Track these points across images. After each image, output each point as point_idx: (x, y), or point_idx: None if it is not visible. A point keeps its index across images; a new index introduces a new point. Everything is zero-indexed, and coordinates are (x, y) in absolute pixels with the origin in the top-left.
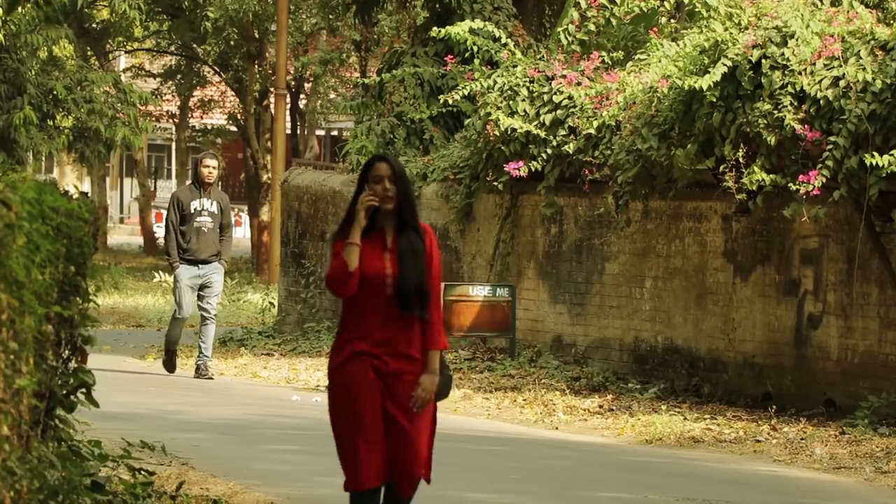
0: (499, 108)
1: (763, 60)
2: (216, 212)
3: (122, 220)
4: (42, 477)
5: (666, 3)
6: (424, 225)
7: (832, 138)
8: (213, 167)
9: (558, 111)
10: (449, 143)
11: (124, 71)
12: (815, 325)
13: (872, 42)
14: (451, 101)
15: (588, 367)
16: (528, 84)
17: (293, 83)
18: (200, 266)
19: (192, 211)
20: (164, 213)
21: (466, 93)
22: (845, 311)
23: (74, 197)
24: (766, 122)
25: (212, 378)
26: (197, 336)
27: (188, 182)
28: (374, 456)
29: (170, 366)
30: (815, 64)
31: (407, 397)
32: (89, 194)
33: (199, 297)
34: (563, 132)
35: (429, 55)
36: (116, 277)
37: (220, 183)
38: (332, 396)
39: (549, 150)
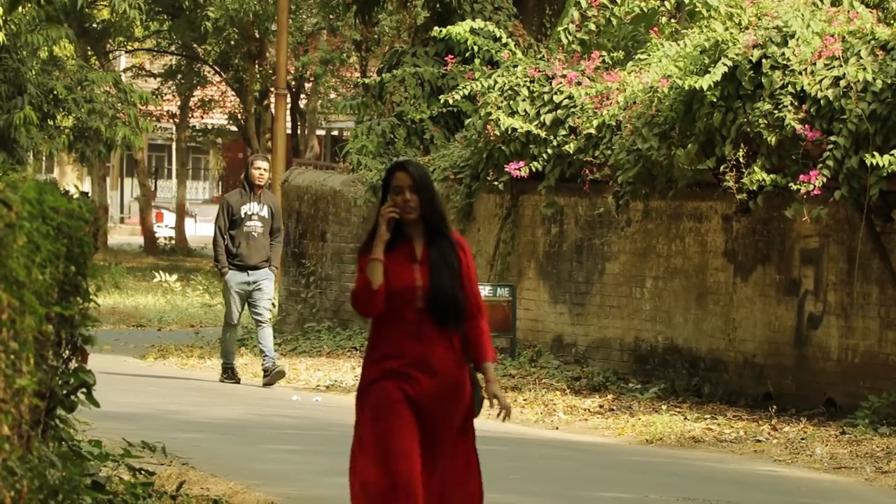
0: (499, 108)
1: (763, 60)
2: (267, 216)
3: (122, 220)
4: (42, 477)
5: (666, 3)
6: (457, 235)
7: (832, 138)
8: (265, 169)
9: (559, 111)
10: (449, 143)
11: (125, 71)
12: (815, 324)
13: (873, 42)
14: (451, 102)
15: (588, 366)
16: (528, 84)
17: (293, 83)
18: (250, 272)
19: (243, 215)
20: (163, 212)
21: (467, 93)
22: (846, 310)
23: (75, 197)
24: (766, 121)
25: (283, 374)
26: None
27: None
28: (412, 487)
29: (232, 379)
30: (815, 64)
31: (444, 421)
32: (90, 194)
33: (250, 304)
34: (563, 132)
35: (429, 55)
36: (117, 277)
37: (269, 186)
38: (358, 423)
39: (549, 150)
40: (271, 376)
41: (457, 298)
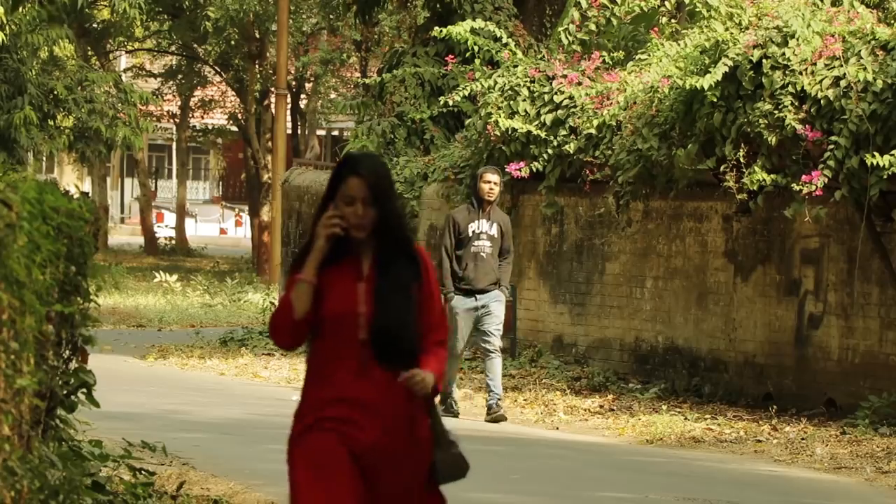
0: (499, 109)
1: (764, 60)
2: (496, 235)
3: (122, 220)
4: (43, 477)
5: (667, 3)
6: (420, 249)
7: (833, 138)
8: (495, 183)
9: (559, 111)
10: (450, 143)
11: (125, 71)
12: (815, 325)
13: (873, 42)
14: (451, 102)
15: (589, 366)
16: (528, 84)
17: (294, 83)
18: (478, 296)
19: (470, 234)
20: (163, 212)
21: (467, 93)
22: (846, 310)
23: (75, 197)
24: (766, 122)
25: (504, 419)
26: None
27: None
28: None
29: (450, 411)
30: (815, 64)
31: (397, 483)
32: (90, 194)
33: (478, 331)
34: (563, 132)
35: (429, 55)
36: (117, 277)
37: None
38: (292, 483)
39: (549, 151)
40: (493, 416)
41: (405, 332)
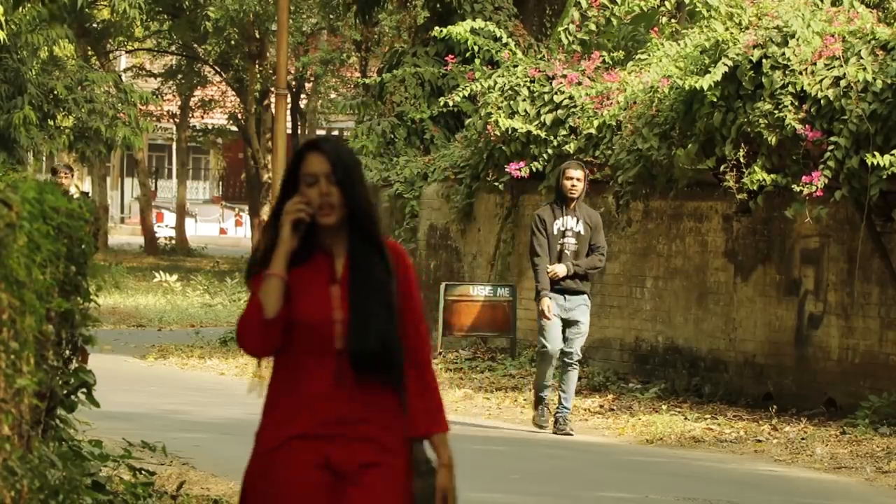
0: (499, 109)
1: (764, 60)
2: (582, 232)
3: (122, 220)
4: (43, 477)
5: (666, 3)
6: (393, 243)
7: (833, 138)
8: (578, 178)
9: (559, 111)
10: (449, 143)
11: (125, 71)
12: (815, 324)
13: (873, 42)
14: (451, 102)
15: (589, 366)
16: (528, 84)
17: (294, 83)
18: (567, 297)
19: (555, 232)
20: (163, 212)
21: (467, 93)
22: (846, 310)
23: (75, 197)
24: (766, 121)
25: (571, 434)
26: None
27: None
28: None
29: (541, 419)
30: (815, 64)
31: None
32: (90, 194)
33: (563, 339)
34: (563, 132)
35: (429, 55)
36: (117, 277)
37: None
38: None
39: (549, 150)
40: (560, 431)
41: (388, 339)
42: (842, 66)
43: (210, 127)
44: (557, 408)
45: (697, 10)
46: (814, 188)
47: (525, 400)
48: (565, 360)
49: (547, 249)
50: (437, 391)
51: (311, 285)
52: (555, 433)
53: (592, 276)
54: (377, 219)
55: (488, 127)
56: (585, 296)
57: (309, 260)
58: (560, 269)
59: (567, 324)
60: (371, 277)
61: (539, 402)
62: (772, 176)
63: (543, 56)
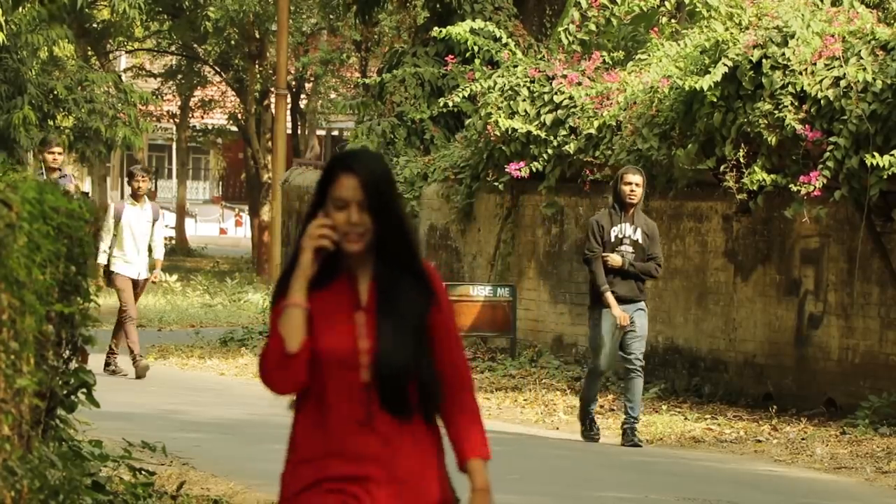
0: (499, 109)
1: (764, 60)
2: (640, 241)
3: None
4: (43, 477)
5: (666, 3)
6: (428, 266)
7: (833, 138)
8: (637, 184)
9: (559, 111)
10: (450, 143)
11: (125, 71)
12: (815, 324)
13: (873, 42)
14: (451, 103)
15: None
16: (528, 84)
17: (294, 83)
18: (623, 307)
19: (612, 239)
20: (164, 212)
21: (467, 93)
22: (846, 310)
23: (75, 197)
24: (766, 122)
25: (639, 445)
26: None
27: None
28: None
29: (589, 433)
30: (815, 64)
31: None
32: (90, 194)
33: (621, 346)
34: (563, 132)
35: (429, 55)
36: None
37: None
38: None
39: (549, 151)
40: (627, 441)
41: (419, 369)
42: (842, 66)
43: (210, 127)
44: (625, 418)
45: (697, 10)
46: (811, 188)
47: (525, 400)
48: (627, 367)
49: (600, 254)
50: (476, 412)
51: (335, 313)
52: (623, 444)
53: (644, 285)
54: (413, 243)
55: (488, 127)
56: (642, 303)
57: (330, 284)
58: (616, 258)
59: (625, 332)
60: (399, 303)
61: (586, 416)
62: (772, 176)
63: (543, 56)
